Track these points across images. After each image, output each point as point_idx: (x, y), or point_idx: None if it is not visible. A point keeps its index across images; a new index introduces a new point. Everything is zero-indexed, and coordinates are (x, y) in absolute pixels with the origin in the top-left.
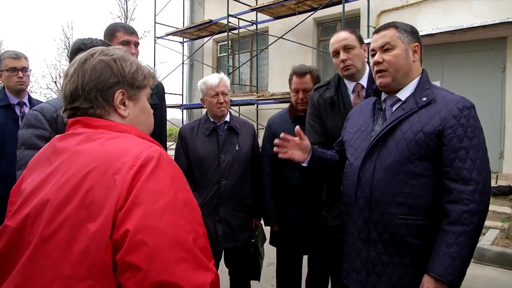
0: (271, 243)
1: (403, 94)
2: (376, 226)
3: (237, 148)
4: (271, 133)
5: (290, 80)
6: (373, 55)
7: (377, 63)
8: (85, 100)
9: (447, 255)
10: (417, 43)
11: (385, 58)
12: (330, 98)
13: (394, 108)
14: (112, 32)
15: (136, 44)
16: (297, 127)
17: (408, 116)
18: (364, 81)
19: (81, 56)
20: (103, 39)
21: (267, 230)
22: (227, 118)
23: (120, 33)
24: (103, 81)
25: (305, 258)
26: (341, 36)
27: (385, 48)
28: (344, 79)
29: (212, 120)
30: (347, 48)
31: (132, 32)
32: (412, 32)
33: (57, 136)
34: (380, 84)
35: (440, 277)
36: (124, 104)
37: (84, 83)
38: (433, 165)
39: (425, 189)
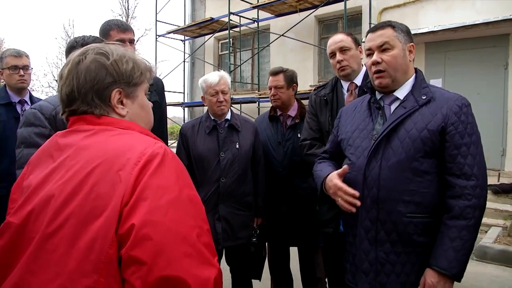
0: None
1: (400, 93)
2: (384, 226)
3: (237, 146)
4: None
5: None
6: (369, 55)
7: (376, 63)
8: (82, 103)
9: (450, 249)
10: (412, 43)
11: (384, 58)
12: (324, 96)
13: (393, 107)
14: (106, 32)
15: (131, 41)
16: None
17: (410, 114)
18: (358, 80)
19: (74, 55)
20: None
21: None
22: (228, 116)
23: (114, 32)
24: (98, 82)
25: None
26: (338, 38)
27: (384, 47)
28: (340, 79)
29: (212, 118)
30: (343, 50)
31: (125, 29)
32: (407, 32)
33: (59, 132)
34: (379, 84)
35: (444, 271)
36: (121, 103)
37: (80, 86)
38: (436, 162)
39: (430, 185)
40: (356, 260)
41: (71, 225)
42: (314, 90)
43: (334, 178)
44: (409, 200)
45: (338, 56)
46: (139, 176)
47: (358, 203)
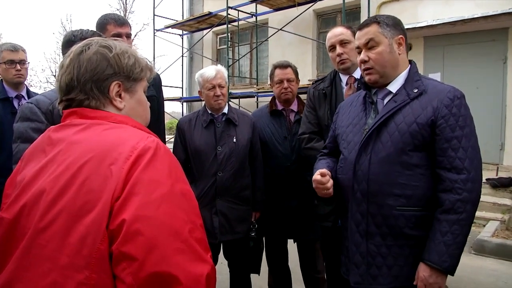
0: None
1: (393, 87)
2: (374, 219)
3: (234, 140)
4: None
5: (272, 74)
6: (359, 53)
7: (363, 61)
8: (80, 92)
9: (441, 243)
10: (401, 36)
11: (370, 56)
12: (323, 89)
13: (385, 101)
14: (102, 25)
15: (128, 36)
16: (322, 171)
17: (400, 108)
18: (357, 74)
19: (77, 46)
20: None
21: None
22: (225, 110)
23: (111, 26)
24: (99, 73)
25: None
26: (338, 31)
27: (369, 45)
28: (339, 72)
29: (210, 112)
30: (343, 43)
31: (123, 23)
32: (395, 24)
33: (52, 127)
34: (369, 81)
35: (435, 265)
36: (120, 96)
37: (80, 75)
38: (427, 155)
39: (421, 179)
40: (349, 253)
41: (62, 220)
42: (313, 83)
43: (315, 175)
44: (399, 194)
45: (338, 49)
46: (131, 170)
47: (329, 190)
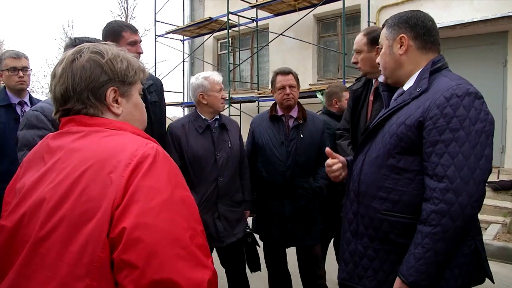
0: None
1: (407, 86)
2: (363, 220)
3: (229, 145)
4: (251, 130)
5: (274, 81)
6: None
7: (378, 63)
8: (77, 101)
9: (412, 255)
10: (402, 34)
11: (378, 58)
12: (356, 90)
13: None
14: (117, 32)
15: (140, 42)
16: (327, 149)
17: (399, 109)
18: (382, 78)
19: (68, 54)
20: (102, 37)
21: None
22: (217, 116)
23: (127, 33)
24: (94, 80)
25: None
26: (355, 40)
27: (379, 47)
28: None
29: (203, 117)
30: (357, 52)
31: (136, 30)
32: (398, 23)
33: (50, 134)
34: (383, 81)
35: (402, 277)
36: (116, 101)
37: (75, 84)
38: (419, 160)
39: (409, 184)
40: (341, 249)
41: (63, 228)
42: (356, 80)
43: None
44: (384, 197)
45: (353, 58)
46: (130, 178)
47: (335, 172)
